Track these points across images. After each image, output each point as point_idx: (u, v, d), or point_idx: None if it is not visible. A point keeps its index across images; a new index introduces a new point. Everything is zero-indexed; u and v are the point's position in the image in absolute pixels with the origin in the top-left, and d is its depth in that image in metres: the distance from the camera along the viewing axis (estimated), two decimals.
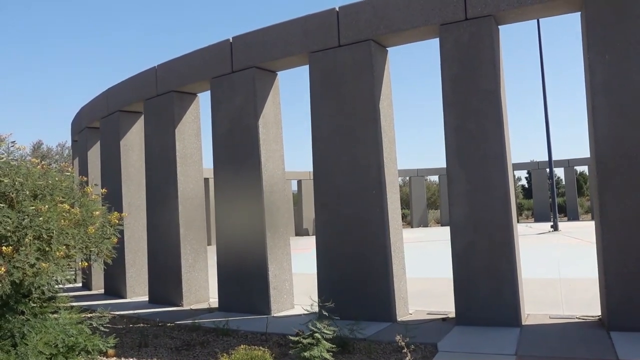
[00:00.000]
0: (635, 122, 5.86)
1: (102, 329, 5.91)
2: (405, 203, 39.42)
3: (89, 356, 5.58)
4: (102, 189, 8.24)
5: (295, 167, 32.08)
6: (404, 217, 42.43)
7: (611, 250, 5.93)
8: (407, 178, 39.28)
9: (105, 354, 6.01)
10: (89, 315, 6.36)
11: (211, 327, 7.19)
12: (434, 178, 45.47)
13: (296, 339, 5.22)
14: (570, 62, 76.35)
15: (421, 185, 38.79)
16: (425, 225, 37.96)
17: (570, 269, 11.43)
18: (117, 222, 6.17)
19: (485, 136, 6.65)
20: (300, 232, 33.89)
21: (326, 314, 5.53)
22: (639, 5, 5.90)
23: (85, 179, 7.10)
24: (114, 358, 6.04)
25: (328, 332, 5.19)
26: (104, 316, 6.05)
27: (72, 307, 6.12)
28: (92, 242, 5.81)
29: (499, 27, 7.02)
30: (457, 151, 6.81)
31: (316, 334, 5.15)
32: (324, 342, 5.09)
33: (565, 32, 79.44)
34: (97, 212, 5.78)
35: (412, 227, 37.09)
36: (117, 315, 8.74)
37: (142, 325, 7.88)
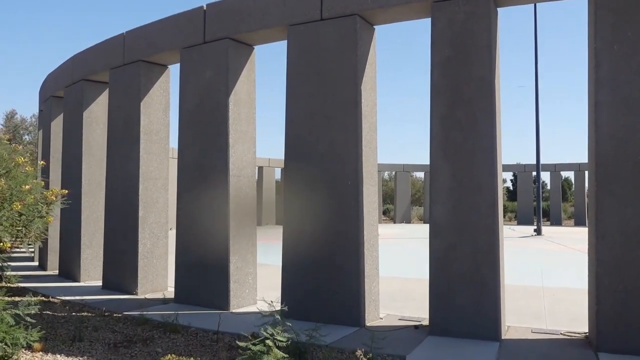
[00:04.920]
0: None
1: (29, 319, 5.16)
2: (390, 198, 38.91)
3: (9, 350, 4.86)
4: (62, 163, 7.47)
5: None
6: (387, 212, 41.98)
7: (606, 263, 5.30)
8: (393, 173, 38.71)
9: (30, 348, 5.29)
10: (17, 299, 5.59)
11: (160, 321, 6.49)
12: (420, 174, 44.96)
13: (245, 344, 4.55)
14: (564, 60, 75.84)
15: (406, 181, 38.29)
16: (408, 222, 37.53)
17: (554, 278, 10.87)
18: (54, 199, 5.44)
19: (475, 127, 5.96)
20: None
21: (278, 317, 4.82)
22: None
23: (20, 147, 6.32)
24: (40, 353, 5.31)
25: (282, 338, 4.52)
26: (32, 305, 5.29)
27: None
28: (21, 221, 5.08)
29: (498, 9, 6.34)
30: (443, 143, 6.13)
31: (268, 341, 4.48)
32: (276, 350, 4.42)
33: (560, 28, 78.49)
34: (27, 187, 5.03)
35: (394, 222, 36.65)
36: (62, 300, 8.00)
37: (85, 314, 7.14)
